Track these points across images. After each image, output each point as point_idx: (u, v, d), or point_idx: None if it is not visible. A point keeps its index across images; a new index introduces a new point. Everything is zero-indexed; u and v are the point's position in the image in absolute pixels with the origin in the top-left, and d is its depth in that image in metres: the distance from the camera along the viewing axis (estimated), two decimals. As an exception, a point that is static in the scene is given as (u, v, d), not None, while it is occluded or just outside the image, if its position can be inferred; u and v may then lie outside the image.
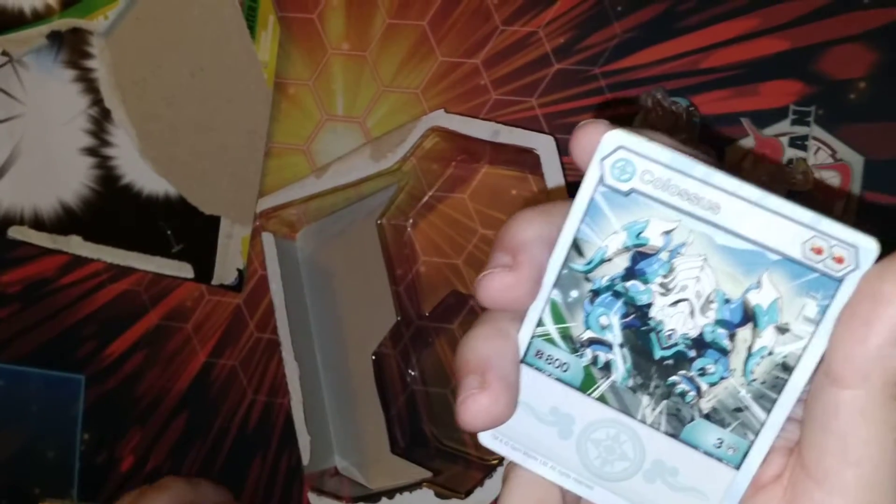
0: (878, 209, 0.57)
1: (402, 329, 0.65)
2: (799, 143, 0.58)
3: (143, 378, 0.73)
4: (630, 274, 0.26)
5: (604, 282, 0.26)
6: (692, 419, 0.26)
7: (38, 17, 0.71)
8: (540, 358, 0.27)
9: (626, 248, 0.26)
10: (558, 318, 0.27)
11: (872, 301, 0.23)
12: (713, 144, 0.59)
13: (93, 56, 0.70)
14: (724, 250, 0.25)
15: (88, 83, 0.71)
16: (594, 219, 0.26)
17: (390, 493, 0.64)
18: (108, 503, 0.74)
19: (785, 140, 0.58)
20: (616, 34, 0.60)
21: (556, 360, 0.27)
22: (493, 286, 0.27)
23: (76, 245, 0.72)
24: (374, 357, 0.65)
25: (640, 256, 0.26)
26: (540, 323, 0.27)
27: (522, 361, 0.27)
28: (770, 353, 0.25)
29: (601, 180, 0.25)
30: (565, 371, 0.27)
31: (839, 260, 0.24)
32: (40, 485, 0.76)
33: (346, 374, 0.69)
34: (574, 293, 0.26)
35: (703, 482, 0.26)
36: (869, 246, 0.24)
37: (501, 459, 0.62)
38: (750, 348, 0.25)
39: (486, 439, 0.28)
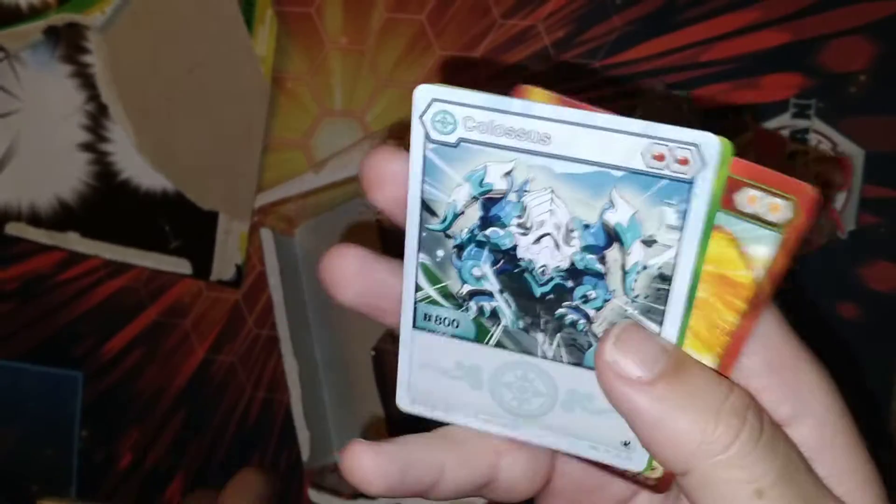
0: (878, 202, 0.57)
1: (401, 324, 0.64)
2: (800, 136, 0.58)
3: (142, 375, 0.73)
4: (486, 222, 0.26)
5: (464, 235, 0.26)
6: (590, 345, 0.26)
7: (35, 13, 0.70)
8: (429, 320, 0.27)
9: (474, 198, 0.25)
10: (433, 279, 0.27)
11: (641, 424, 0.24)
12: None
13: (90, 51, 0.70)
14: (567, 178, 0.24)
15: (85, 78, 0.70)
16: (434, 177, 0.25)
17: (390, 489, 0.64)
18: (106, 501, 0.74)
19: (786, 133, 0.58)
20: (616, 27, 0.60)
21: (445, 318, 0.27)
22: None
23: (74, 241, 0.72)
24: (373, 352, 0.65)
25: (490, 203, 0.25)
26: (418, 288, 0.27)
27: (414, 327, 0.27)
28: (645, 268, 0.25)
29: (427, 137, 0.25)
30: (457, 327, 0.27)
31: (683, 161, 0.23)
32: (38, 482, 0.75)
33: (345, 369, 0.69)
34: (440, 252, 0.26)
35: None
36: (709, 141, 0.23)
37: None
38: (623, 267, 0.25)
39: (405, 404, 0.28)
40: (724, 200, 0.24)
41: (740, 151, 0.24)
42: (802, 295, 0.56)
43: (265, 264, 0.67)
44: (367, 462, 0.26)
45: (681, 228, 0.24)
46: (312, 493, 0.65)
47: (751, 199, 0.24)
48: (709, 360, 0.25)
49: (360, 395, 0.68)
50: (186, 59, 0.68)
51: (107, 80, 0.70)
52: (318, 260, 0.27)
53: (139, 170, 0.70)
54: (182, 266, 0.70)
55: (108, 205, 0.71)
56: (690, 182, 0.24)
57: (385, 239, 0.64)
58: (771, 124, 0.58)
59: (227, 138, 0.68)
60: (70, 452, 0.75)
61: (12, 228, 0.73)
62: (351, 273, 0.27)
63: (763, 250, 0.24)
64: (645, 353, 0.24)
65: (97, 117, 0.71)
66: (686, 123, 0.24)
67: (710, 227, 0.24)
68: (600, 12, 0.60)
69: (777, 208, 0.24)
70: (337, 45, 0.66)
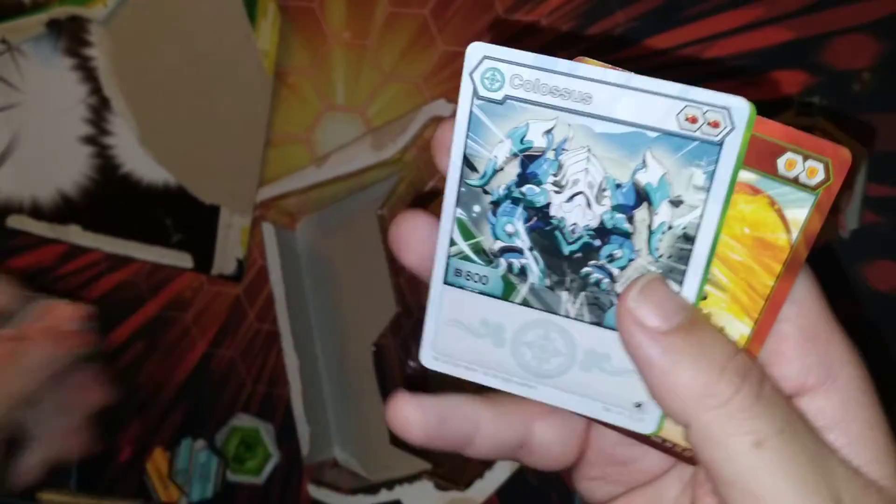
0: (881, 201, 0.57)
1: (402, 320, 0.64)
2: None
3: (142, 368, 0.73)
4: (523, 179, 0.27)
5: (501, 191, 0.27)
6: (612, 304, 0.27)
7: (37, 6, 0.70)
8: (459, 276, 0.28)
9: (514, 155, 0.27)
10: (467, 234, 0.28)
11: (650, 371, 0.25)
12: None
13: (92, 44, 0.70)
14: (604, 137, 0.26)
15: (87, 72, 0.70)
16: (478, 132, 0.27)
17: (390, 485, 0.64)
18: (106, 494, 0.74)
19: (789, 131, 0.58)
20: (619, 23, 0.60)
21: (475, 274, 0.28)
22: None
23: (75, 234, 0.72)
24: (374, 348, 0.65)
25: (528, 160, 0.26)
26: (452, 243, 0.28)
27: (445, 283, 0.28)
28: (670, 227, 0.26)
29: (475, 94, 0.26)
30: (485, 284, 0.28)
31: (715, 124, 0.25)
32: (39, 475, 0.75)
33: (345, 365, 0.69)
34: (476, 208, 0.27)
35: None
36: (740, 105, 0.24)
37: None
38: (650, 227, 0.26)
39: (428, 361, 0.29)
40: (765, 164, 0.25)
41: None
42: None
43: (266, 259, 0.67)
44: (408, 411, 0.28)
45: (707, 189, 0.25)
46: (312, 489, 0.65)
47: (790, 163, 0.25)
48: (746, 323, 0.26)
49: (361, 390, 0.68)
50: (189, 52, 0.68)
51: (109, 73, 0.70)
52: (392, 222, 0.29)
53: (141, 163, 0.70)
54: (183, 260, 0.70)
55: (110, 198, 0.71)
56: (720, 144, 0.25)
57: (387, 234, 0.64)
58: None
59: (229, 132, 0.68)
60: (71, 445, 0.75)
61: (14, 221, 0.73)
62: (419, 238, 0.28)
63: (800, 212, 0.25)
64: (665, 305, 0.25)
65: (99, 110, 0.70)
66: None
67: (733, 187, 0.25)
68: (604, 8, 0.60)
69: (815, 172, 0.24)
70: (340, 40, 0.66)
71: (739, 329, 0.26)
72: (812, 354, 0.26)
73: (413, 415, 0.28)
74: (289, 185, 0.66)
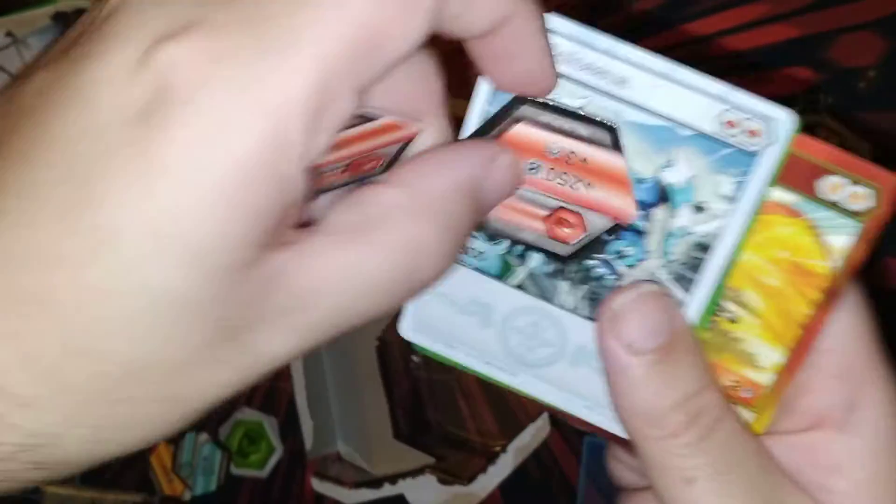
0: (886, 198, 0.57)
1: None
2: (807, 131, 0.58)
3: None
4: None
5: None
6: None
7: (43, -2, 0.70)
8: None
9: None
10: None
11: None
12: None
13: (97, 37, 0.70)
14: (634, 127, 0.24)
15: (93, 65, 0.70)
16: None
17: (393, 479, 0.64)
18: (110, 486, 0.74)
19: (794, 128, 0.58)
20: (625, 20, 0.60)
21: (473, 249, 0.26)
22: None
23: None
24: (377, 342, 0.65)
25: None
26: None
27: None
28: (688, 234, 0.24)
29: None
30: (482, 260, 0.26)
31: (753, 133, 0.23)
32: (42, 467, 0.76)
33: (349, 359, 0.69)
34: None
35: None
36: (784, 117, 0.23)
37: (504, 446, 0.62)
38: (666, 228, 0.24)
39: (408, 332, 0.27)
40: (807, 186, 0.23)
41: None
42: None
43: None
44: None
45: (734, 200, 0.23)
46: (315, 483, 0.66)
47: (833, 186, 0.23)
48: (780, 351, 0.25)
49: (364, 384, 0.68)
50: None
51: (114, 66, 0.70)
52: None
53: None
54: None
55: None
56: (754, 155, 0.23)
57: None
58: (779, 119, 0.58)
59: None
60: (73, 438, 0.75)
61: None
62: None
63: (842, 240, 0.24)
64: (650, 323, 0.24)
65: (104, 104, 0.71)
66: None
67: (760, 202, 0.23)
68: (610, 4, 0.60)
69: (860, 197, 0.23)
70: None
71: (771, 357, 0.25)
72: (838, 394, 0.25)
73: None
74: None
